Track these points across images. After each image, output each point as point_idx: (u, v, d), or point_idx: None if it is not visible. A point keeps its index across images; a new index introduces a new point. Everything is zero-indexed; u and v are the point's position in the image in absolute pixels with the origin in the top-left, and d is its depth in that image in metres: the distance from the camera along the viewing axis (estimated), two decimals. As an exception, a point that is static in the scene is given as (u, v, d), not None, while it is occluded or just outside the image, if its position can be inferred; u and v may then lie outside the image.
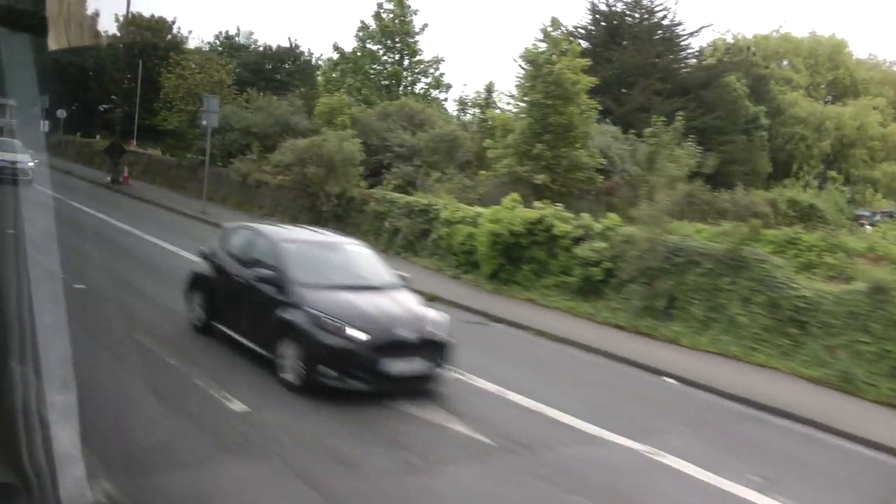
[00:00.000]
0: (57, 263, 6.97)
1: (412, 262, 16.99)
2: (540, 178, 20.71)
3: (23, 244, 6.02)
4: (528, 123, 21.37)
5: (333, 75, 30.49)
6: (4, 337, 4.12)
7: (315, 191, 19.68)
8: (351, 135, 20.66)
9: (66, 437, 3.85)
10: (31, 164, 22.24)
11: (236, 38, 59.36)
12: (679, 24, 36.87)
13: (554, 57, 21.63)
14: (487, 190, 21.08)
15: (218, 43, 61.07)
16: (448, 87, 30.64)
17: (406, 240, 17.44)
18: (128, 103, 53.93)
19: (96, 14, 55.73)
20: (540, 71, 21.34)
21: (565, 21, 39.96)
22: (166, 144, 51.72)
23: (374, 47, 30.04)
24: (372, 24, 30.22)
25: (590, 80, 21.79)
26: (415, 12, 29.89)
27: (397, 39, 29.60)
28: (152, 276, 13.11)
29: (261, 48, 57.28)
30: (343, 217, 19.65)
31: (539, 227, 14.42)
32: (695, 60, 38.94)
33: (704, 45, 43.87)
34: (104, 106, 52.22)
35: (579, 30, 36.84)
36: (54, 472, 3.28)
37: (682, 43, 37.40)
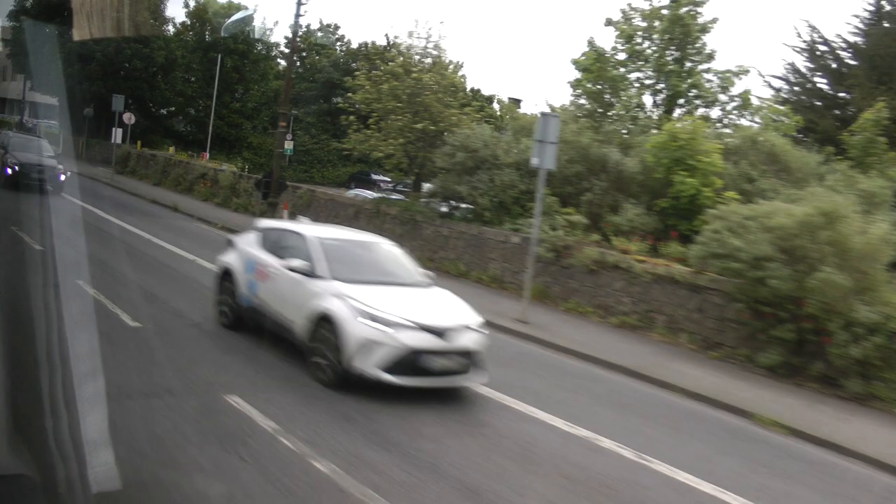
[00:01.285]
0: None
1: None
2: None
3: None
4: None
5: (583, 83, 20.63)
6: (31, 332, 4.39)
7: (820, 315, 10.21)
8: (848, 203, 11.17)
9: (93, 423, 3.74)
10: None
11: (317, 34, 49.81)
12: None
13: None
14: None
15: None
16: (757, 109, 20.96)
17: None
18: (195, 107, 43.82)
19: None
20: None
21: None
22: (242, 159, 41.97)
23: (645, 45, 20.53)
24: (634, 15, 20.74)
25: None
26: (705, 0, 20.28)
27: (678, 35, 20.09)
28: None
29: (353, 46, 47.58)
30: (878, 370, 10.14)
31: None
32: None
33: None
34: (167, 109, 41.81)
35: (851, 34, 27.69)
36: (82, 458, 3.25)
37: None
